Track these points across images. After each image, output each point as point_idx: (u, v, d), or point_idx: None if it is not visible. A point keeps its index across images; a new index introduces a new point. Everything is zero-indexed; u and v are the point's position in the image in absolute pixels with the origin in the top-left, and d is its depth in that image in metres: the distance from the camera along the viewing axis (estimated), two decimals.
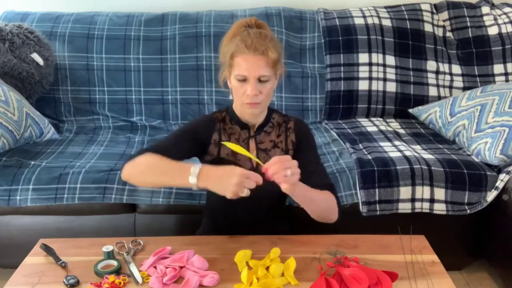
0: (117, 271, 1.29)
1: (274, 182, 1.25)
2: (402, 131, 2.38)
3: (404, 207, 1.94)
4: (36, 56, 2.38)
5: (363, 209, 1.91)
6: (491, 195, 1.93)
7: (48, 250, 1.38)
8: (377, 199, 1.92)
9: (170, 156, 1.35)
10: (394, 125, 2.48)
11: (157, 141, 1.56)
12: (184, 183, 1.26)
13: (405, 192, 1.92)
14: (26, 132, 2.18)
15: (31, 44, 2.40)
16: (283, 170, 1.22)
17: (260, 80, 1.40)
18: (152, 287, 1.23)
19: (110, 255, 1.33)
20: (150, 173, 1.33)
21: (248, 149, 1.53)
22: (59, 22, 2.62)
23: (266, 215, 1.53)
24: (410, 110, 2.56)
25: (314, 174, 1.53)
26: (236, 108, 1.54)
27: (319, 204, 1.44)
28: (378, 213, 1.92)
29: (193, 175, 1.25)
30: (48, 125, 2.33)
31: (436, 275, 1.29)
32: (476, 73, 2.64)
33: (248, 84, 1.40)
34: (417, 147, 2.15)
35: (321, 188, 1.48)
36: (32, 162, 2.03)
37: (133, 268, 1.30)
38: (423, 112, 2.46)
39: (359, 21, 2.62)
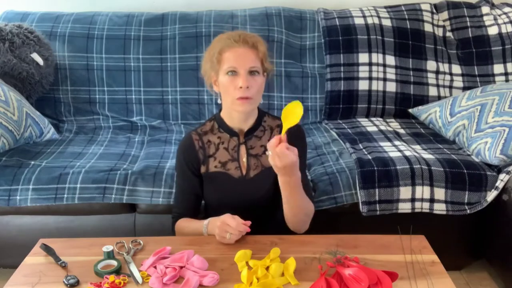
0: (117, 271, 1.29)
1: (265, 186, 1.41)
2: (402, 131, 2.38)
3: (404, 207, 1.93)
4: (36, 56, 2.38)
5: (363, 209, 1.91)
6: (491, 195, 1.93)
7: (48, 250, 1.38)
8: (377, 199, 1.91)
9: (193, 209, 1.60)
10: (394, 125, 2.47)
11: (175, 198, 1.70)
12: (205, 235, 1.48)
13: (405, 192, 1.92)
14: (26, 132, 2.18)
15: (31, 44, 2.40)
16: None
17: (250, 73, 1.41)
18: (152, 287, 1.23)
19: (110, 255, 1.33)
20: (187, 235, 1.53)
21: (238, 156, 1.53)
22: (59, 22, 2.61)
23: (262, 217, 1.53)
24: (410, 110, 2.56)
25: None
26: (225, 114, 1.53)
27: (301, 212, 1.48)
28: (378, 213, 1.92)
29: (204, 227, 1.46)
30: (48, 125, 2.33)
31: (436, 275, 1.29)
32: (476, 73, 2.64)
33: (239, 78, 1.41)
34: (417, 147, 2.15)
35: None
36: (32, 162, 2.03)
37: (133, 268, 1.30)
38: (423, 112, 2.45)
39: (359, 21, 2.62)
